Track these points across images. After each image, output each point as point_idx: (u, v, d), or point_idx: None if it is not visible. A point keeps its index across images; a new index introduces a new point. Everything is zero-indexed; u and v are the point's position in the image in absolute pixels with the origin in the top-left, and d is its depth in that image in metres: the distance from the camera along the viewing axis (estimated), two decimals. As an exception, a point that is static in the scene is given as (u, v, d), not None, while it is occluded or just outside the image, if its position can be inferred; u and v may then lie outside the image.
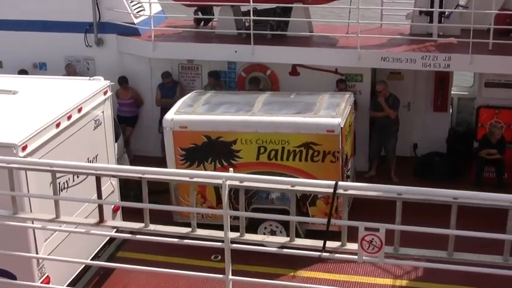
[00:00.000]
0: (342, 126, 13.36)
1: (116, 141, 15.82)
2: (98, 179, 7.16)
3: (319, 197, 13.65)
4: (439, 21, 16.88)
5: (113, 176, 8.22)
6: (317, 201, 13.79)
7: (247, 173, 11.85)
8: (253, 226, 13.16)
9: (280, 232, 13.63)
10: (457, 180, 16.20)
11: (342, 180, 12.91)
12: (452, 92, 18.46)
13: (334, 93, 15.45)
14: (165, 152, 14.09)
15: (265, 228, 13.70)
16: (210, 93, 15.54)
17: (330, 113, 13.73)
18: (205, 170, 13.72)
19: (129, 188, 13.43)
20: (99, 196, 7.25)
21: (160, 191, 13.56)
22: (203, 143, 13.88)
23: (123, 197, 14.52)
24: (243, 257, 11.89)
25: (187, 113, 14.19)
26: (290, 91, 16.70)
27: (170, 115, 14.10)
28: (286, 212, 12.86)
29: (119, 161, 15.81)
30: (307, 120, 13.61)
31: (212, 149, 13.89)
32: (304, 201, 13.84)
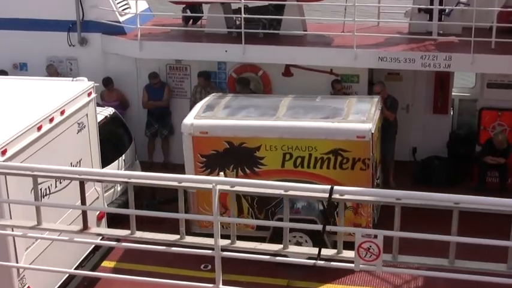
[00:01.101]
0: (373, 132, 13.28)
1: (128, 148, 15.90)
2: (82, 184, 7.15)
3: (348, 206, 13.48)
4: (439, 19, 16.89)
5: (98, 181, 8.19)
6: (345, 211, 13.58)
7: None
8: (278, 237, 12.89)
9: (306, 242, 13.46)
10: (459, 185, 16.20)
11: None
12: (453, 94, 18.50)
13: (362, 97, 15.38)
14: (152, 157, 14.12)
15: (290, 240, 13.54)
16: (230, 96, 15.44)
17: (360, 118, 13.63)
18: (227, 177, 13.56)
19: (140, 197, 13.46)
20: (83, 202, 7.23)
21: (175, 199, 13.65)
22: (225, 149, 13.75)
23: (146, 206, 14.59)
24: (234, 266, 11.93)
25: (207, 117, 14.06)
26: (283, 93, 16.74)
27: (190, 119, 13.95)
28: (313, 223, 12.89)
29: (131, 168, 15.86)
30: (336, 126, 13.49)
31: (234, 156, 13.77)
32: (332, 211, 13.65)
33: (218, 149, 13.77)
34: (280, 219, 12.95)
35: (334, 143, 13.40)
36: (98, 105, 16.21)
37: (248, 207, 13.93)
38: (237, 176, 13.64)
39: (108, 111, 15.91)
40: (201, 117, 14.03)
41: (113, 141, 16.12)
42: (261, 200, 13.68)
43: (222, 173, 6.86)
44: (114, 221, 11.97)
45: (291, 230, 13.19)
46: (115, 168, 15.17)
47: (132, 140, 16.48)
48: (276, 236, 12.96)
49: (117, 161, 15.51)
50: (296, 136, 13.55)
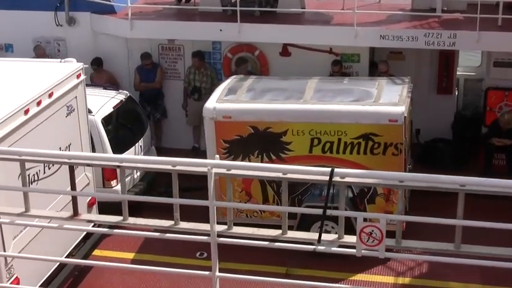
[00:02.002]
0: (406, 115, 13.21)
1: (144, 132, 15.86)
2: (72, 169, 7.13)
3: (379, 193, 13.55)
4: (443, -5, 16.88)
5: (87, 165, 8.17)
6: (376, 198, 13.62)
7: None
8: (305, 225, 12.95)
9: (333, 228, 13.30)
10: (464, 168, 16.22)
11: None
12: (458, 73, 18.49)
13: (392, 78, 15.28)
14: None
15: (319, 227, 13.41)
16: (252, 78, 15.34)
17: (392, 101, 13.56)
18: None
19: (157, 184, 13.47)
20: (73, 187, 7.21)
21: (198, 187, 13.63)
22: (249, 134, 13.69)
23: (152, 194, 14.60)
24: (231, 254, 11.95)
25: (230, 101, 13.98)
26: (281, 73, 16.71)
27: (212, 103, 13.85)
28: None
29: (147, 154, 15.86)
30: (367, 109, 13.42)
31: (259, 141, 13.70)
32: (362, 199, 13.67)
33: (242, 134, 13.70)
34: (307, 207, 12.92)
35: (365, 127, 13.32)
36: (108, 88, 16.32)
37: (273, 195, 13.83)
38: (261, 162, 13.48)
39: (123, 94, 15.94)
40: (223, 101, 13.92)
41: (128, 126, 16.14)
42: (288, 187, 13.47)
43: (217, 156, 6.82)
44: (133, 209, 12.01)
45: (319, 217, 13.29)
46: (132, 155, 15.13)
47: (148, 126, 16.46)
48: (303, 224, 12.98)
49: (133, 147, 15.45)
50: (325, 120, 13.45)
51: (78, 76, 12.28)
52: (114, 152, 14.49)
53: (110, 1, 17.92)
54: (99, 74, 17.84)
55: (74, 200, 7.20)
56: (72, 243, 12.21)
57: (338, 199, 13.15)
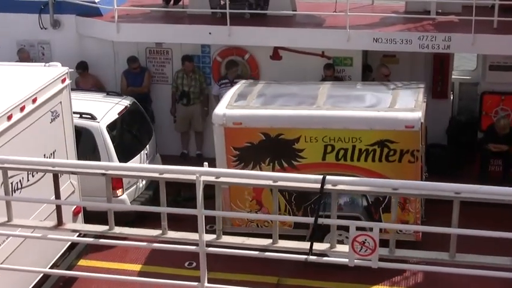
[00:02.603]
0: (422, 121, 13.15)
1: (150, 140, 15.80)
2: (56, 177, 7.12)
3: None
4: (438, -3, 16.92)
5: (72, 173, 8.15)
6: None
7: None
8: (318, 235, 12.68)
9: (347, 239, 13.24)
10: (459, 174, 16.25)
11: None
12: (453, 77, 18.50)
13: (406, 84, 15.25)
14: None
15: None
16: (262, 83, 15.26)
17: (408, 106, 13.49)
18: None
19: (177, 193, 13.44)
20: (57, 196, 7.20)
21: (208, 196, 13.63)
22: (260, 141, 13.55)
23: (171, 202, 14.53)
24: (221, 263, 11.93)
25: (241, 107, 13.88)
26: (272, 77, 16.70)
27: (221, 109, 13.73)
28: (357, 220, 12.65)
29: (152, 161, 15.81)
30: (383, 115, 13.34)
31: (270, 149, 13.58)
32: (377, 207, 13.59)
33: (253, 141, 13.57)
34: (321, 217, 12.94)
35: (381, 134, 13.23)
36: (115, 93, 16.33)
37: (285, 204, 13.75)
38: (273, 171, 13.41)
39: (128, 100, 15.87)
40: (233, 107, 13.82)
41: (134, 133, 16.10)
42: (299, 196, 13.52)
43: (206, 163, 6.82)
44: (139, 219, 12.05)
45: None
46: (137, 163, 15.10)
47: (153, 133, 16.39)
48: (316, 234, 12.84)
49: (139, 154, 15.41)
50: (339, 126, 13.37)
51: (63, 81, 12.26)
52: (119, 161, 14.45)
53: (96, 3, 17.88)
54: (85, 79, 17.80)
55: (59, 209, 7.20)
56: (57, 253, 12.17)
57: (351, 208, 13.18)
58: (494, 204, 6.58)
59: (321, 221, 6.52)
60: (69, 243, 12.14)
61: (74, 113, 14.47)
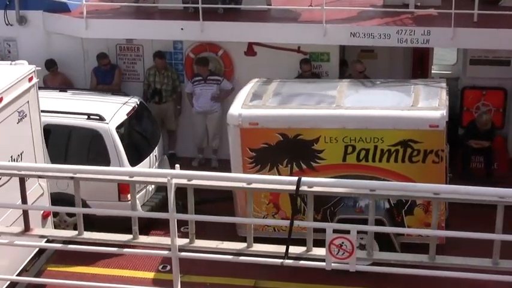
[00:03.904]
0: (447, 120, 13.11)
1: (158, 141, 15.72)
2: (22, 181, 7.09)
3: (418, 204, 13.46)
4: (417, -10, 16.98)
5: (40, 177, 8.12)
6: (415, 209, 13.51)
7: (332, 177, 11.22)
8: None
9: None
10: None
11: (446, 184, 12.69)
12: (432, 72, 18.60)
13: (427, 81, 15.22)
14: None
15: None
16: (276, 82, 15.09)
17: (432, 105, 13.43)
18: (279, 174, 13.30)
19: (176, 197, 13.36)
20: (24, 200, 7.17)
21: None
22: (278, 142, 13.41)
23: (181, 207, 14.49)
24: (196, 266, 11.92)
25: (257, 106, 13.76)
26: (246, 74, 16.70)
27: (236, 109, 13.60)
28: (379, 223, 12.69)
29: (160, 163, 15.69)
30: (406, 114, 13.26)
31: (288, 150, 13.46)
32: (400, 210, 13.56)
33: (270, 142, 13.44)
34: (341, 221, 12.83)
35: (404, 134, 13.15)
36: (121, 93, 16.26)
37: (304, 207, 13.55)
38: (291, 173, 13.40)
39: (135, 100, 15.70)
40: (249, 107, 13.70)
41: (142, 134, 16.01)
42: (317, 199, 13.35)
43: (177, 165, 6.82)
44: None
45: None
46: (147, 166, 14.99)
47: (160, 135, 16.26)
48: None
49: (148, 157, 15.23)
50: (360, 126, 13.26)
51: (30, 79, 12.17)
52: (129, 163, 14.37)
53: (64, -1, 17.81)
54: (54, 77, 17.71)
55: (25, 214, 7.17)
56: (26, 258, 12.10)
57: (377, 211, 13.11)
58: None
59: (296, 223, 6.54)
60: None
61: (82, 114, 14.53)
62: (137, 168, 6.41)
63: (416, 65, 18.05)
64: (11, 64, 12.61)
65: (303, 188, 6.47)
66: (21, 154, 11.90)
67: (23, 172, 7.06)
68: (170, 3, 17.53)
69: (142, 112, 15.77)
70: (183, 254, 6.88)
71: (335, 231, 6.40)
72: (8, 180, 10.82)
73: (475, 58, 17.07)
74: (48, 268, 12.62)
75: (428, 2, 17.01)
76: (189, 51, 17.74)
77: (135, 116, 15.32)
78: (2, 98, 11.29)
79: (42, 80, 16.81)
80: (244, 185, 6.69)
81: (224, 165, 17.09)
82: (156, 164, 15.51)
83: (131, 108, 15.24)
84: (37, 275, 11.95)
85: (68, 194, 13.39)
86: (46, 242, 10.22)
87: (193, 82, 17.24)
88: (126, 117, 14.94)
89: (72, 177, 6.96)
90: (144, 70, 17.88)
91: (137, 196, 14.25)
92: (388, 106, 13.55)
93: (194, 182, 6.81)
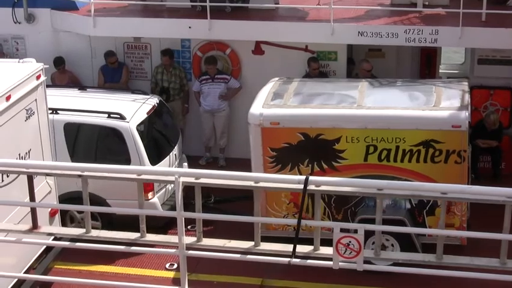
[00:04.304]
0: (469, 120, 13.13)
1: (178, 140, 15.68)
2: (30, 178, 7.10)
3: (439, 204, 13.41)
4: (425, -11, 16.96)
5: (47, 175, 8.13)
6: (436, 209, 13.48)
7: (354, 177, 11.05)
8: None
9: (392, 246, 13.10)
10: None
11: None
12: (440, 71, 18.56)
13: (448, 81, 15.21)
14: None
15: (373, 243, 13.17)
16: (296, 81, 15.10)
17: (454, 105, 13.40)
18: (301, 174, 13.25)
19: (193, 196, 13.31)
20: (32, 198, 7.18)
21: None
22: (299, 142, 13.43)
23: (190, 206, 14.52)
24: (203, 265, 11.94)
25: (278, 106, 13.78)
26: (254, 73, 16.72)
27: (257, 109, 13.62)
28: (400, 223, 12.77)
29: (180, 162, 15.69)
30: (429, 114, 13.24)
31: (310, 149, 13.47)
32: (421, 210, 13.55)
33: (291, 141, 13.46)
34: (363, 221, 12.79)
35: (426, 134, 13.15)
36: (140, 91, 16.15)
37: (325, 207, 13.62)
38: (312, 172, 13.35)
39: (154, 99, 15.67)
40: (270, 106, 13.72)
41: (162, 133, 15.99)
42: (338, 199, 13.47)
43: (185, 164, 6.83)
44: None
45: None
46: (167, 165, 14.95)
47: (179, 134, 16.23)
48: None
49: (168, 156, 15.19)
50: (382, 126, 13.27)
51: (38, 77, 12.18)
52: (150, 162, 14.37)
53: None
54: (61, 75, 17.75)
55: (33, 211, 7.18)
56: (33, 256, 12.12)
57: (394, 210, 13.09)
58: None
59: (304, 222, 6.54)
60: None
61: (102, 112, 14.52)
62: (144, 167, 6.42)
63: (424, 65, 18.03)
64: (19, 62, 12.63)
65: (311, 187, 6.47)
66: (28, 152, 11.92)
67: (30, 170, 7.07)
68: (178, 2, 17.54)
69: (161, 111, 15.76)
70: (191, 252, 6.89)
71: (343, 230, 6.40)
72: (17, 177, 10.86)
73: (483, 58, 17.05)
74: (55, 266, 12.62)
75: (436, 1, 17.01)
76: (197, 50, 17.76)
77: (155, 114, 15.28)
78: (10, 95, 11.31)
79: (50, 77, 16.85)
80: (252, 183, 6.69)
81: (231, 164, 17.18)
82: (176, 163, 15.50)
83: (151, 107, 15.20)
84: (44, 273, 11.97)
85: (90, 194, 13.70)
86: (53, 239, 10.33)
87: (201, 81, 17.26)
88: (146, 116, 14.92)
89: (80, 176, 6.97)
90: (152, 68, 17.91)
91: (157, 195, 14.51)
92: (410, 106, 13.56)
93: (202, 180, 6.82)
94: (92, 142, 14.78)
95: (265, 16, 17.04)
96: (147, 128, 14.92)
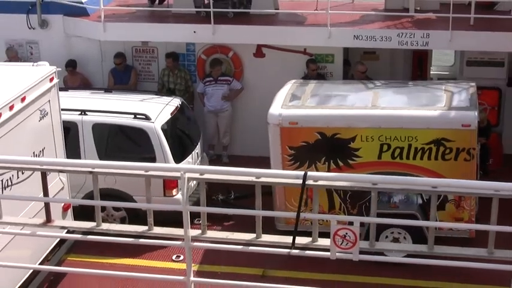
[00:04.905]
0: (479, 119, 13.18)
1: (198, 140, 15.62)
2: (44, 175, 7.11)
3: (449, 200, 13.48)
4: (416, -5, 16.96)
5: (60, 171, 8.14)
6: (446, 204, 13.54)
7: (368, 174, 11.25)
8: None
9: (405, 239, 13.15)
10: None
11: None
12: (431, 72, 18.60)
13: (457, 82, 15.23)
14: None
15: (387, 236, 13.30)
16: (313, 83, 15.18)
17: (464, 105, 13.46)
18: (318, 171, 13.25)
19: (214, 191, 13.31)
20: (45, 193, 7.19)
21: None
22: (316, 140, 13.49)
23: (222, 202, 14.48)
24: (207, 256, 11.96)
25: (296, 106, 13.84)
26: (255, 75, 16.72)
27: (277, 109, 13.69)
28: (413, 217, 12.81)
29: (201, 161, 15.69)
30: (440, 114, 13.28)
31: (326, 148, 13.53)
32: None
33: (309, 140, 13.51)
34: (376, 216, 12.95)
35: (437, 133, 13.20)
36: (163, 93, 16.25)
37: (340, 203, 13.69)
38: (328, 170, 13.44)
39: (177, 100, 15.65)
40: (289, 107, 13.78)
41: (185, 133, 15.95)
42: (353, 194, 13.50)
43: (190, 161, 6.85)
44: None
45: (389, 225, 12.85)
46: (190, 163, 14.82)
47: (200, 134, 16.15)
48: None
49: (191, 155, 15.11)
50: (395, 125, 13.32)
51: (51, 79, 12.20)
52: (174, 161, 14.30)
53: (83, 3, 17.83)
54: (73, 77, 17.76)
55: (47, 206, 7.19)
56: (47, 248, 12.15)
57: (407, 205, 13.06)
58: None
59: (303, 215, 6.54)
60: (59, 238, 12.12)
61: (128, 113, 14.53)
62: (151, 164, 6.41)
63: (416, 66, 18.05)
64: (33, 65, 12.65)
65: (309, 181, 6.48)
66: (42, 150, 11.94)
67: (44, 167, 7.08)
68: (183, 8, 17.55)
69: (184, 112, 15.74)
70: (196, 244, 6.90)
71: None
72: (31, 174, 10.88)
73: (472, 59, 17.06)
74: (68, 258, 12.65)
75: (428, 6, 17.03)
76: (201, 53, 17.77)
77: (178, 115, 15.26)
78: (25, 97, 11.32)
79: (63, 80, 16.86)
80: (253, 179, 6.70)
81: (234, 161, 17.19)
82: (198, 161, 15.48)
83: (174, 108, 15.17)
84: (58, 264, 12.01)
85: (115, 190, 13.83)
86: (66, 233, 10.35)
87: (205, 82, 17.27)
88: (170, 116, 14.88)
89: (91, 172, 6.97)
90: (159, 71, 17.91)
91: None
92: (422, 106, 13.59)
93: (206, 176, 6.83)
94: (118, 141, 14.81)
95: (266, 21, 17.05)
96: (170, 128, 14.89)
